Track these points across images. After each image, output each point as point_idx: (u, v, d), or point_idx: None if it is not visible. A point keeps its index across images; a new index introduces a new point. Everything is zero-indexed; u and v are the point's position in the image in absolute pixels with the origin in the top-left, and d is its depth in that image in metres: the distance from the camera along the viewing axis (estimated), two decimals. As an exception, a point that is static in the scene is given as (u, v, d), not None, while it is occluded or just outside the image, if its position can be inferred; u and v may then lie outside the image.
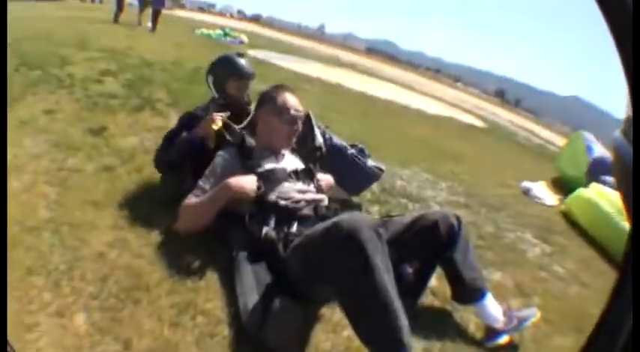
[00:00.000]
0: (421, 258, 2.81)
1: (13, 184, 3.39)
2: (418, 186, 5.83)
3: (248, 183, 2.76)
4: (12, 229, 2.74)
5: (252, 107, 3.56)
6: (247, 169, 2.89)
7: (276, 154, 3.11)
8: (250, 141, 3.08)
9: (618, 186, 1.08)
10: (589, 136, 9.21)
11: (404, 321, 1.98)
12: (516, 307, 3.28)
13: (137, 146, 4.59)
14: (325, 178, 3.28)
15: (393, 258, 2.23)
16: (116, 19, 20.74)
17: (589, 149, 8.21)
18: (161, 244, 2.91)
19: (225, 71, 3.71)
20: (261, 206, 2.75)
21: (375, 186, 5.05)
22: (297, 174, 3.04)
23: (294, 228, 2.64)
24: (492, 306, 2.74)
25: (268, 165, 2.96)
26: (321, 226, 2.35)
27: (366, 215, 2.30)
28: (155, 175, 3.85)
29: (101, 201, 3.30)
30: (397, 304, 1.99)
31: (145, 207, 3.32)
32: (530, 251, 4.76)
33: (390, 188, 5.37)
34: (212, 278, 2.68)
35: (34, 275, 2.42)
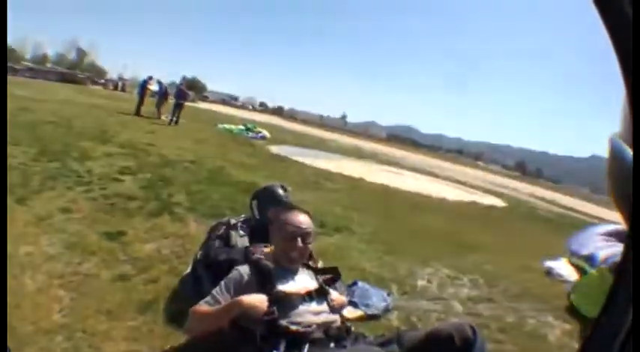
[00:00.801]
0: None
1: (27, 284, 3.48)
2: (439, 284, 5.78)
3: (259, 302, 2.74)
4: (26, 328, 2.80)
5: None
6: (263, 290, 2.86)
7: (290, 273, 3.08)
8: (266, 262, 3.07)
9: (612, 188, 1.08)
10: (575, 243, 8.42)
11: None
12: None
13: (154, 254, 4.63)
14: (338, 298, 3.28)
15: None
16: (138, 111, 21.41)
17: (592, 259, 7.25)
18: (172, 359, 2.90)
19: (269, 200, 4.07)
20: (272, 329, 2.72)
21: (395, 290, 5.11)
22: (310, 295, 3.01)
23: (305, 351, 2.64)
24: None
25: (283, 287, 2.94)
26: None
27: (373, 348, 2.28)
28: (171, 287, 3.90)
29: (116, 311, 3.35)
30: None
31: (159, 320, 3.36)
32: (551, 334, 4.75)
33: (411, 290, 5.33)
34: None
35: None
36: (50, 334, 2.89)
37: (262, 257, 3.14)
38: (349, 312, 3.96)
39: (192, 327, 2.83)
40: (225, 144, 17.14)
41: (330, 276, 3.32)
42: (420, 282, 5.66)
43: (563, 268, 7.42)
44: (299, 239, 3.02)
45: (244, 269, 3.01)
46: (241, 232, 3.90)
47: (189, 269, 3.89)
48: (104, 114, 16.51)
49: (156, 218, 5.81)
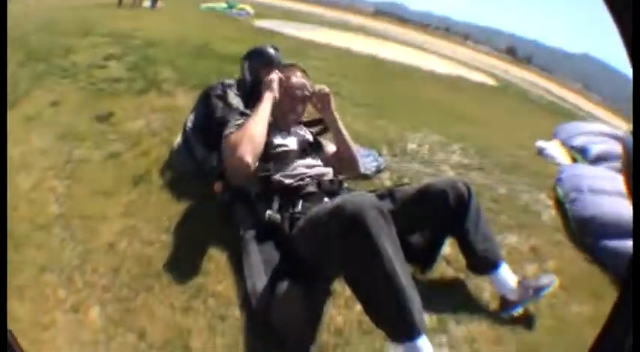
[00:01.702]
0: (431, 228, 2.80)
1: (21, 182, 3.45)
2: (430, 149, 5.74)
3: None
4: (22, 228, 2.80)
5: None
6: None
7: (285, 129, 3.08)
8: None
9: (627, 180, 1.09)
10: (564, 133, 8.18)
11: (416, 303, 1.98)
12: (532, 272, 3.34)
13: (144, 129, 4.57)
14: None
15: (402, 228, 2.23)
16: (120, 2, 20.79)
17: (584, 151, 6.98)
18: (170, 228, 2.94)
19: (260, 60, 4.00)
20: (266, 185, 2.74)
21: (385, 152, 5.10)
22: (305, 150, 3.03)
23: (299, 206, 2.61)
24: (507, 277, 2.71)
25: (279, 142, 2.95)
26: (325, 207, 2.30)
27: (369, 195, 2.21)
28: (162, 157, 3.90)
29: (110, 190, 3.35)
30: (408, 285, 1.98)
31: (153, 191, 3.37)
32: (545, 212, 4.68)
33: (401, 152, 5.32)
34: (221, 258, 2.71)
35: (47, 273, 2.48)
36: (47, 227, 2.90)
37: None
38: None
39: (242, 147, 2.60)
40: (209, 22, 16.89)
41: (321, 127, 3.36)
42: (411, 145, 5.66)
43: (555, 150, 7.33)
44: (301, 102, 3.04)
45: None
46: (236, 92, 3.85)
47: (179, 138, 3.86)
48: (86, 10, 15.97)
49: (144, 95, 5.71)
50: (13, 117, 4.67)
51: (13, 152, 3.88)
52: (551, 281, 2.76)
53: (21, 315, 2.17)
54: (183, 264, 2.62)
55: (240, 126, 2.78)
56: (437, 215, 2.69)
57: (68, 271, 2.51)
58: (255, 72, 3.94)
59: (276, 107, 3.00)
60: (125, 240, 2.79)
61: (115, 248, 2.72)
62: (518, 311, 2.68)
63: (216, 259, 2.69)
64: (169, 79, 6.56)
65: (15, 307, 2.20)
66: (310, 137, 3.20)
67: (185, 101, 5.10)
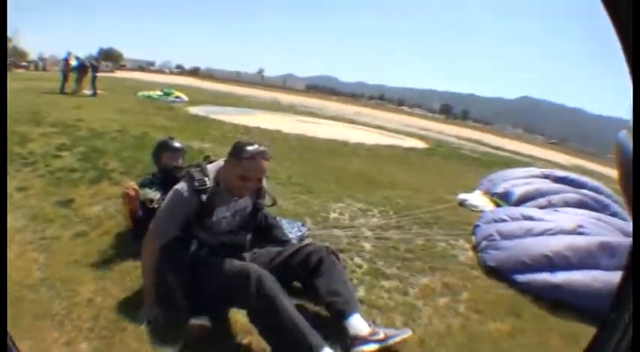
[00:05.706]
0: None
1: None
2: (350, 216, 6.40)
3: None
4: (13, 288, 3.37)
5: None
6: (202, 210, 3.33)
7: (233, 198, 3.47)
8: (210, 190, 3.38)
9: (622, 186, 1.01)
10: (486, 183, 9.11)
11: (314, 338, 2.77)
12: (443, 305, 3.93)
13: (101, 214, 5.22)
14: None
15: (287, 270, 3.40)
16: (62, 89, 21.35)
17: (507, 196, 7.83)
18: (133, 288, 3.64)
19: (160, 149, 4.82)
20: (189, 235, 3.44)
21: (309, 222, 5.70)
22: (234, 215, 3.54)
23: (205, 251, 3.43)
24: (357, 322, 3.09)
25: (220, 213, 3.44)
26: (231, 267, 3.17)
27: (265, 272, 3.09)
28: (121, 236, 4.57)
29: (81, 261, 3.98)
30: (305, 325, 2.82)
31: (117, 261, 4.03)
32: (462, 255, 5.21)
33: (324, 221, 5.88)
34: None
35: (41, 320, 3.09)
36: (35, 287, 3.48)
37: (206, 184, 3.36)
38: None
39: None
40: (146, 110, 17.56)
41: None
42: (333, 215, 6.24)
43: (478, 199, 7.96)
44: (254, 183, 3.43)
45: (186, 189, 3.32)
46: (149, 190, 4.42)
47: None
48: (32, 96, 16.61)
49: (97, 184, 6.38)
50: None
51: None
52: (403, 331, 3.14)
53: (23, 350, 2.57)
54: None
55: (163, 232, 3.33)
56: (301, 270, 3.44)
57: (58, 318, 3.12)
58: (158, 160, 4.76)
59: (232, 179, 3.34)
60: (100, 297, 3.43)
61: (93, 302, 3.35)
62: (369, 348, 2.93)
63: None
64: (117, 169, 7.31)
65: (17, 344, 2.73)
66: (250, 206, 3.67)
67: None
